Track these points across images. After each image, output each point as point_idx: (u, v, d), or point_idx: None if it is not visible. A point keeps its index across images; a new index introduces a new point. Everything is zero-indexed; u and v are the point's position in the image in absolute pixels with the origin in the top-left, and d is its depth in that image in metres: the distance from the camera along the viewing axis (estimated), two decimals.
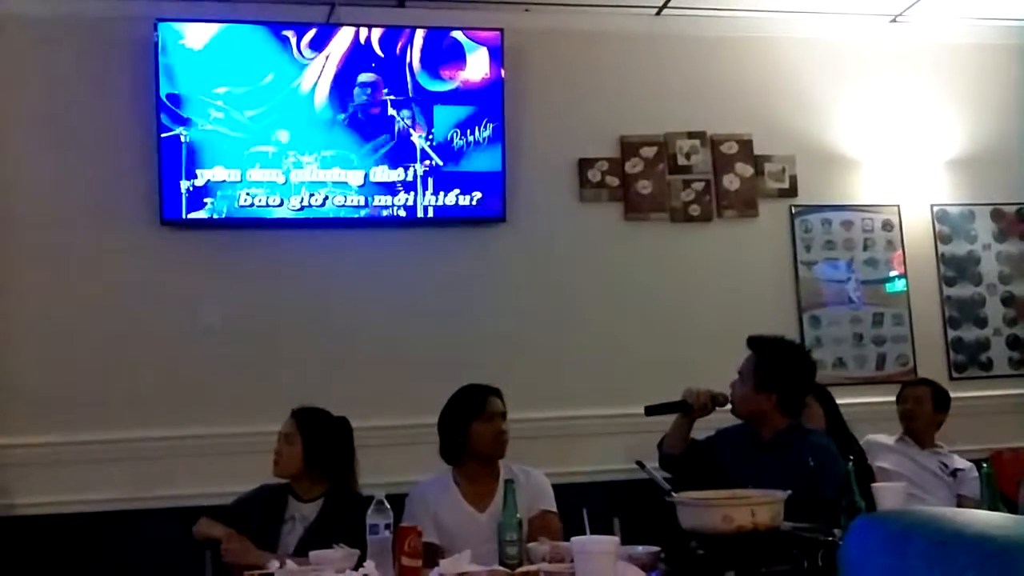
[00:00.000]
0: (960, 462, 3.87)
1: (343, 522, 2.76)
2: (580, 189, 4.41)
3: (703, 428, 3.28)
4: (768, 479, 2.46)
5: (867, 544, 1.02)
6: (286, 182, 4.07)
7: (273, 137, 4.08)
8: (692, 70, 4.56)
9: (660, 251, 4.43)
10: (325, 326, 4.10)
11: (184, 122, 3.99)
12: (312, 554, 2.53)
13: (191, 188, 3.99)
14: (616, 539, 2.13)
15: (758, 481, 2.47)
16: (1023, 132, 4.79)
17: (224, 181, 4.01)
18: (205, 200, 4.00)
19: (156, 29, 3.96)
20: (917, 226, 4.68)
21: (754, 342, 3.13)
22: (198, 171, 3.99)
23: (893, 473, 3.71)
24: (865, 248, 4.63)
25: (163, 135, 3.96)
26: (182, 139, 3.98)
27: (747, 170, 4.55)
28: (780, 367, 3.06)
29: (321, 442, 3.03)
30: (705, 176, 4.52)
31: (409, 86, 4.19)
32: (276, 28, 4.09)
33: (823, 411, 3.65)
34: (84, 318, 3.94)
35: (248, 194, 4.03)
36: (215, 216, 4.02)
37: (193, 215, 4.00)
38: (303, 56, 4.11)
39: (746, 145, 4.56)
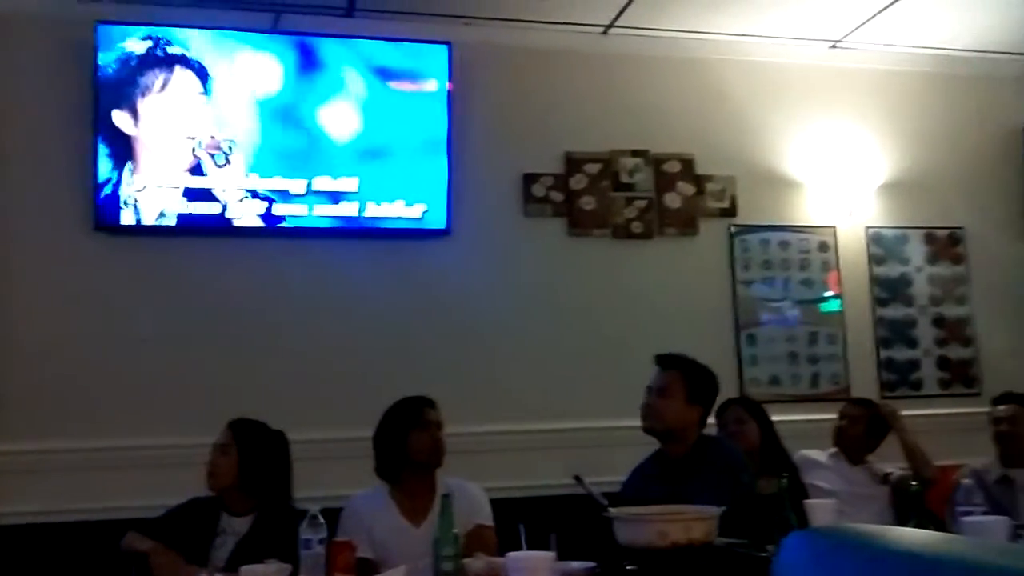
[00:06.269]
0: (888, 466, 3.91)
1: (275, 536, 2.71)
2: (525, 204, 4.42)
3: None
4: (692, 496, 2.46)
5: (798, 560, 1.02)
6: (225, 189, 4.01)
7: (212, 143, 4.01)
8: (637, 89, 4.61)
9: (602, 267, 4.46)
10: (261, 337, 4.04)
11: (121, 126, 3.90)
12: (243, 569, 2.48)
13: (126, 193, 3.90)
14: (552, 555, 2.12)
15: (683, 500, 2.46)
16: (956, 158, 4.93)
17: (161, 187, 3.94)
18: (140, 206, 3.92)
19: (96, 31, 3.88)
20: (852, 247, 4.78)
21: (672, 360, 3.09)
22: (134, 176, 3.91)
23: (825, 490, 3.75)
24: (801, 268, 4.71)
25: (99, 139, 3.87)
26: (118, 144, 3.90)
27: (689, 189, 4.60)
28: (707, 383, 3.08)
29: (257, 455, 2.98)
30: (648, 194, 4.56)
31: (356, 94, 4.16)
32: (218, 33, 4.03)
33: (758, 427, 3.70)
34: (18, 325, 3.82)
35: (186, 200, 3.96)
36: (151, 223, 3.94)
37: (128, 221, 3.92)
38: (246, 62, 4.06)
39: (688, 164, 4.62)
